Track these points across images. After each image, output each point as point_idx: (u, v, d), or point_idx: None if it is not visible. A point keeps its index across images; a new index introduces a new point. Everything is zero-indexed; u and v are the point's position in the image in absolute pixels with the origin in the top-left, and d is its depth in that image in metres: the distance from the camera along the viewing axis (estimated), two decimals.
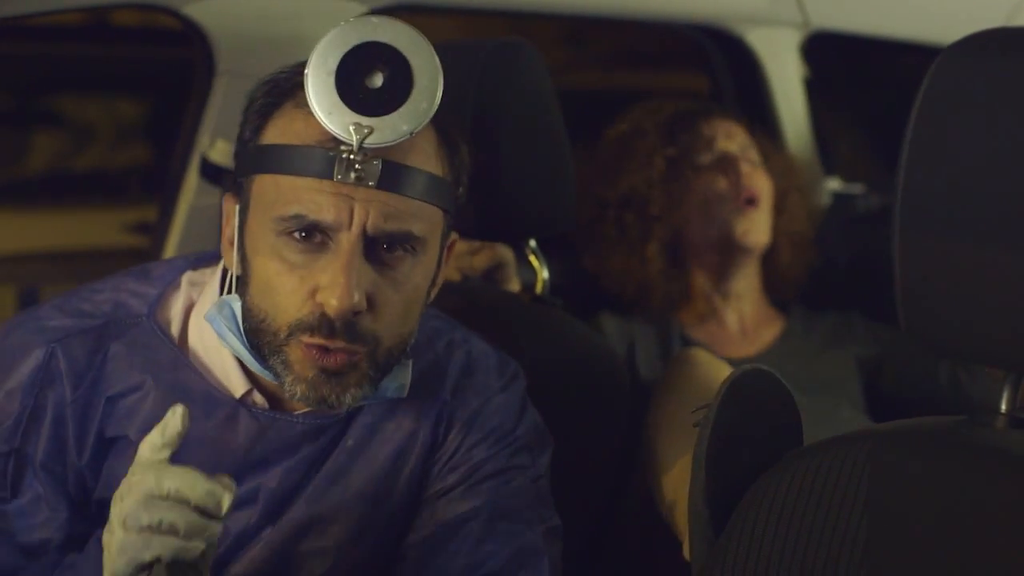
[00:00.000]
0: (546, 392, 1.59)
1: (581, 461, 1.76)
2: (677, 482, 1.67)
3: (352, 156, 1.30)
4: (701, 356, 1.86)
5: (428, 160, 1.36)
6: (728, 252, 2.23)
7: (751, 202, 2.20)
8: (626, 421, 1.81)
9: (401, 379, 1.41)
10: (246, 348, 1.38)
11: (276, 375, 1.37)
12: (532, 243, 1.89)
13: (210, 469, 1.40)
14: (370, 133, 1.30)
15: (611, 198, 2.25)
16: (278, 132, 1.36)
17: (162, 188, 2.15)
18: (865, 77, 3.75)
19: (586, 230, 2.27)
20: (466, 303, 1.75)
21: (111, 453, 1.41)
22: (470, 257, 1.95)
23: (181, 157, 2.07)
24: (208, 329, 1.42)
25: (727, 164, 2.21)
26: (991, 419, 1.19)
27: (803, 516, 1.20)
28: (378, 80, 1.31)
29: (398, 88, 1.31)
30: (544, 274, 1.89)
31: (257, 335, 1.36)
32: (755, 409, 1.37)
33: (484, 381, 1.50)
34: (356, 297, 1.31)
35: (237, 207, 1.40)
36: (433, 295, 1.44)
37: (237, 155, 1.41)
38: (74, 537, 1.39)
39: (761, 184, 2.22)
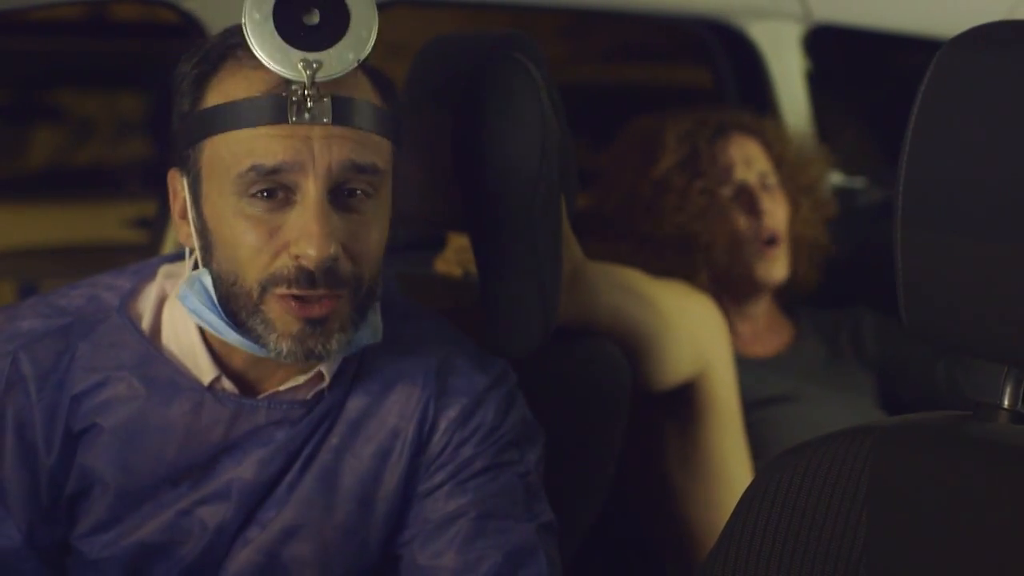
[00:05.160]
0: (547, 390, 1.58)
1: (582, 460, 1.75)
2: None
3: (304, 93, 1.30)
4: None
5: (369, 95, 1.37)
6: (748, 286, 2.23)
7: (772, 242, 2.19)
8: (627, 420, 1.81)
9: (373, 324, 1.41)
10: (221, 319, 1.37)
11: (257, 338, 1.35)
12: None
13: (178, 457, 1.40)
14: (319, 67, 1.30)
15: (656, 234, 2.19)
16: (219, 95, 1.35)
17: (162, 183, 2.14)
18: (867, 70, 3.75)
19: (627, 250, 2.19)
20: (466, 300, 1.74)
21: (80, 446, 1.41)
22: (471, 252, 1.94)
23: None
24: (179, 320, 1.41)
25: (746, 199, 2.19)
26: (993, 414, 1.18)
27: (804, 510, 1.20)
28: (315, 17, 1.32)
29: (336, 20, 1.32)
30: None
31: (231, 300, 1.35)
32: None
33: (470, 381, 1.48)
34: (332, 248, 1.31)
35: (186, 180, 1.38)
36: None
37: (177, 129, 1.38)
38: (32, 543, 1.40)
39: (779, 219, 2.20)
